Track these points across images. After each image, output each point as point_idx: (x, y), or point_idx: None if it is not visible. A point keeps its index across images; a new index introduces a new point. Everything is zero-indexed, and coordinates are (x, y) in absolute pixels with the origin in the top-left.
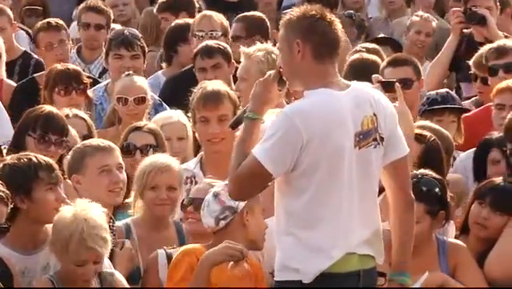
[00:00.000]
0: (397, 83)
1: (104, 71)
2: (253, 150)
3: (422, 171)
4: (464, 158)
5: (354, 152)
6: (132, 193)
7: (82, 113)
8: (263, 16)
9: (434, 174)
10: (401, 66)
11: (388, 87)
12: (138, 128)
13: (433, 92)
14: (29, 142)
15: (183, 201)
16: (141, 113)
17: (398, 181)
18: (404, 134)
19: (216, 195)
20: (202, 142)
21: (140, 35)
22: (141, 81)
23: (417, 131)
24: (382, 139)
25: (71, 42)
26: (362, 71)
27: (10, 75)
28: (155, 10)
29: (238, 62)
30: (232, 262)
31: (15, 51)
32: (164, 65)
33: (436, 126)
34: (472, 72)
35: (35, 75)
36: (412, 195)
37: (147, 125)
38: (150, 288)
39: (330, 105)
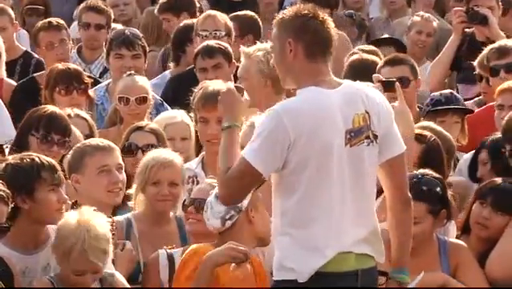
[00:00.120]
0: (397, 83)
1: (105, 71)
2: (242, 151)
3: (422, 171)
4: (469, 158)
5: (345, 149)
6: (134, 186)
7: (83, 113)
8: (255, 15)
9: (434, 174)
10: (398, 65)
11: (388, 86)
12: (140, 128)
13: (437, 93)
14: (32, 142)
15: (184, 201)
16: (143, 113)
17: (394, 180)
18: (404, 134)
19: (218, 196)
20: (203, 142)
21: (141, 35)
22: (143, 81)
23: (418, 131)
24: (376, 136)
25: (71, 42)
26: (362, 71)
27: (11, 75)
28: (156, 11)
29: (240, 61)
30: (234, 264)
31: (16, 51)
32: (171, 65)
33: (438, 127)
34: (476, 73)
35: (35, 74)
36: (409, 194)
37: (148, 125)
38: (151, 288)
39: (318, 102)
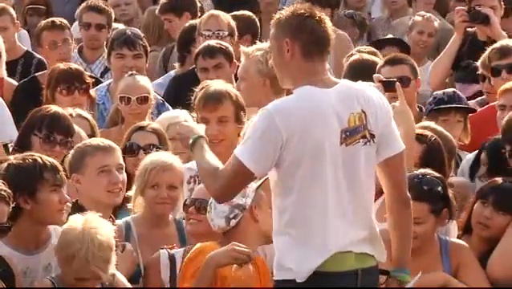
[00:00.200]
0: (398, 83)
1: (106, 71)
2: (235, 150)
3: (422, 170)
4: (471, 158)
5: (340, 149)
6: (133, 188)
7: (85, 113)
8: (253, 16)
9: (435, 173)
10: (398, 64)
11: (388, 86)
12: (141, 128)
13: (440, 92)
14: (34, 142)
15: (185, 200)
16: (144, 113)
17: (392, 180)
18: (405, 133)
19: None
20: None
21: (143, 35)
22: (144, 80)
23: (419, 131)
24: (372, 136)
25: (74, 42)
26: (362, 71)
27: (12, 75)
28: (157, 12)
29: (240, 61)
30: (236, 265)
31: (17, 51)
32: (177, 65)
33: (439, 127)
34: (479, 73)
35: (37, 74)
36: (408, 194)
37: (150, 125)
38: (152, 288)
39: (310, 101)
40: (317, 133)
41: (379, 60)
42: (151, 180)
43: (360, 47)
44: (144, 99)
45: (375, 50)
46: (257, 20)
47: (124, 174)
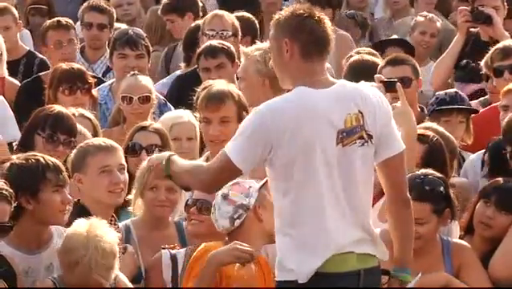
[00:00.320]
0: (398, 83)
1: (108, 71)
2: (225, 146)
3: (424, 171)
4: (474, 159)
5: (336, 149)
6: (133, 191)
7: (88, 113)
8: (252, 17)
9: (436, 173)
10: (400, 65)
11: (389, 86)
12: (143, 128)
13: (442, 92)
14: (37, 141)
15: (187, 201)
16: (146, 112)
17: (391, 180)
18: (407, 134)
19: (225, 196)
20: (206, 142)
21: (145, 35)
22: (146, 80)
23: (420, 131)
24: (370, 137)
25: (79, 42)
26: (362, 72)
27: (14, 74)
28: (159, 12)
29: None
30: (238, 264)
31: (20, 51)
32: (182, 65)
33: (440, 128)
34: (483, 73)
35: (41, 74)
36: (408, 195)
37: (152, 125)
38: (154, 288)
39: (302, 102)
40: (307, 133)
41: (379, 60)
42: (149, 182)
43: (360, 49)
44: (146, 99)
45: (375, 52)
46: (256, 22)
47: (126, 174)
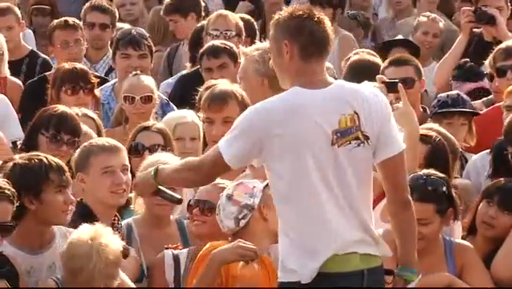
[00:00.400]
0: (400, 84)
1: (110, 71)
2: (219, 141)
3: (426, 171)
4: (478, 159)
5: (330, 149)
6: None
7: (91, 113)
8: (251, 19)
9: (439, 173)
10: (403, 65)
11: (391, 87)
12: (146, 128)
13: (444, 94)
14: (41, 141)
15: (189, 201)
16: (148, 112)
17: (390, 181)
18: (409, 135)
19: (229, 197)
20: (208, 142)
21: (148, 35)
22: (148, 80)
23: (423, 131)
24: (367, 137)
25: (85, 43)
26: (362, 71)
27: (17, 74)
28: (162, 13)
29: None
30: (242, 262)
31: (22, 50)
32: (188, 65)
33: (443, 130)
34: (488, 72)
35: (47, 73)
36: (408, 196)
37: (155, 125)
38: (156, 288)
39: (292, 102)
40: (295, 133)
41: (379, 60)
42: None
43: (359, 50)
44: (148, 99)
45: (374, 53)
46: (255, 24)
47: (129, 175)
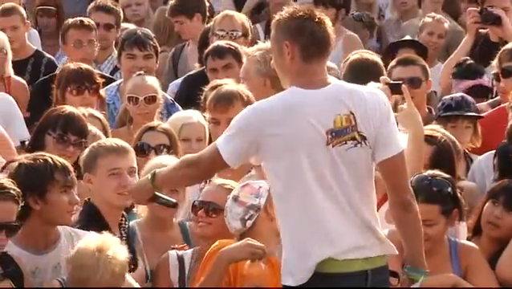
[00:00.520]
0: (404, 85)
1: (115, 71)
2: (217, 139)
3: (431, 172)
4: (483, 160)
5: (326, 149)
6: None
7: (97, 113)
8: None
9: (443, 174)
10: (410, 65)
11: (394, 89)
12: (152, 128)
13: (448, 97)
14: (48, 141)
15: (194, 202)
16: (152, 112)
17: (389, 182)
18: (414, 136)
19: (235, 198)
20: None
21: (153, 35)
22: (152, 80)
23: (428, 132)
24: (364, 138)
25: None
26: (362, 70)
27: (22, 74)
28: (167, 14)
29: None
30: (249, 261)
31: (27, 50)
32: (197, 65)
33: (446, 132)
34: (495, 72)
35: (55, 73)
36: (409, 197)
37: (160, 125)
38: (161, 288)
39: (287, 102)
40: (289, 132)
41: (378, 59)
42: None
43: (359, 50)
44: (152, 99)
45: (373, 53)
46: (250, 23)
47: (136, 177)
